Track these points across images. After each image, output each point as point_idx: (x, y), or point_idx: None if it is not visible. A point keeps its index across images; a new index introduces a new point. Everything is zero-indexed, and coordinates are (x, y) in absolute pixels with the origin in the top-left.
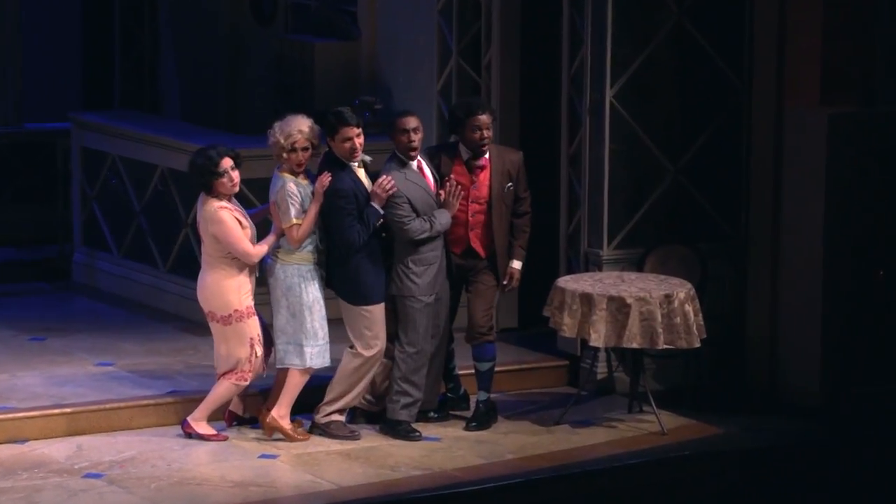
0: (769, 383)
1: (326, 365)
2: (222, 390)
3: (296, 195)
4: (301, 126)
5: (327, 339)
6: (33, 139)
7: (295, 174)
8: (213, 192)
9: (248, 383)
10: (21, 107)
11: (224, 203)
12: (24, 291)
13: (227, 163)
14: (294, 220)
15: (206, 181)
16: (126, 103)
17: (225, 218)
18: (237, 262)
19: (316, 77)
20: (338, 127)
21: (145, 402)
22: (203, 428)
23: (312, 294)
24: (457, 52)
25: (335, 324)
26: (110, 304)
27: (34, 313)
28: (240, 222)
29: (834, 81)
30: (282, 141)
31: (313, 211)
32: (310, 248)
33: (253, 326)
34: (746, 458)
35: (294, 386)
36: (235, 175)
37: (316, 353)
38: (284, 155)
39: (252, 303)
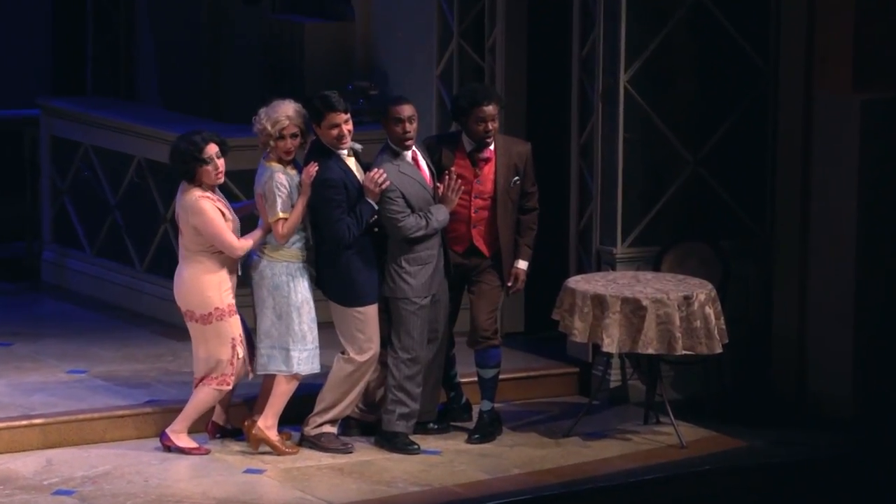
0: (797, 392)
1: (315, 371)
2: (203, 397)
3: (284, 186)
4: (288, 111)
5: (317, 343)
6: None
7: (283, 164)
8: (196, 181)
9: (230, 388)
10: None
11: (207, 193)
12: None
13: (212, 149)
14: (280, 214)
15: (188, 168)
16: (100, 89)
17: (206, 208)
18: (218, 256)
19: (306, 60)
20: (324, 112)
21: (120, 412)
22: (183, 441)
23: (301, 294)
24: (458, 32)
25: (325, 328)
26: (82, 306)
27: None
28: (223, 214)
29: (867, 65)
30: (269, 128)
31: (301, 204)
32: (299, 244)
33: (234, 326)
34: (773, 473)
35: (281, 394)
36: (221, 163)
37: (304, 359)
38: (272, 143)
39: (233, 301)
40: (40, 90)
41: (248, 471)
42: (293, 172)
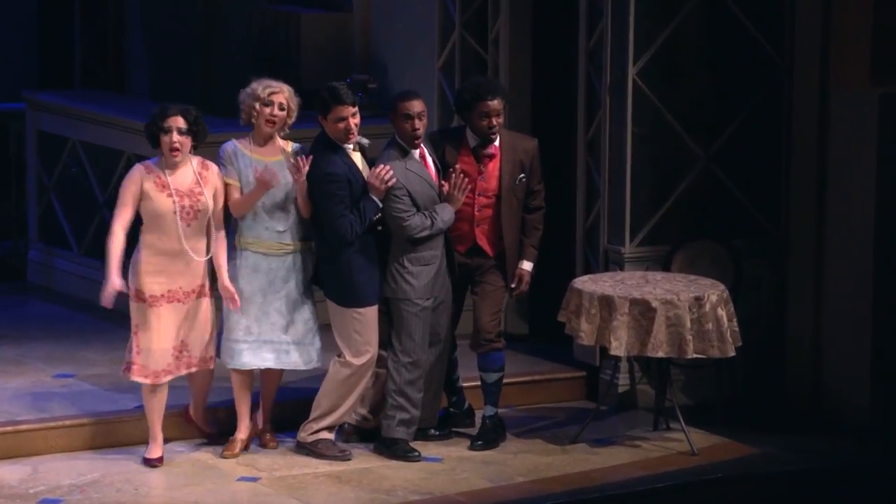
0: (812, 397)
1: (248, 366)
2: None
3: (232, 156)
4: (283, 85)
5: (263, 337)
6: None
7: (256, 143)
8: (159, 150)
9: (142, 381)
10: None
11: (152, 165)
12: None
13: (176, 121)
14: (228, 179)
15: (150, 131)
16: (88, 81)
17: (129, 176)
18: (147, 235)
19: (303, 52)
20: (331, 104)
21: (109, 418)
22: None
23: (249, 287)
24: (460, 23)
25: (322, 330)
26: (69, 307)
27: None
28: (169, 195)
29: (886, 58)
30: (259, 90)
31: (256, 194)
32: (265, 234)
33: (137, 313)
34: (787, 481)
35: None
36: (180, 140)
37: (237, 351)
38: (256, 108)
39: (160, 293)
40: (26, 83)
41: (243, 479)
42: (262, 158)
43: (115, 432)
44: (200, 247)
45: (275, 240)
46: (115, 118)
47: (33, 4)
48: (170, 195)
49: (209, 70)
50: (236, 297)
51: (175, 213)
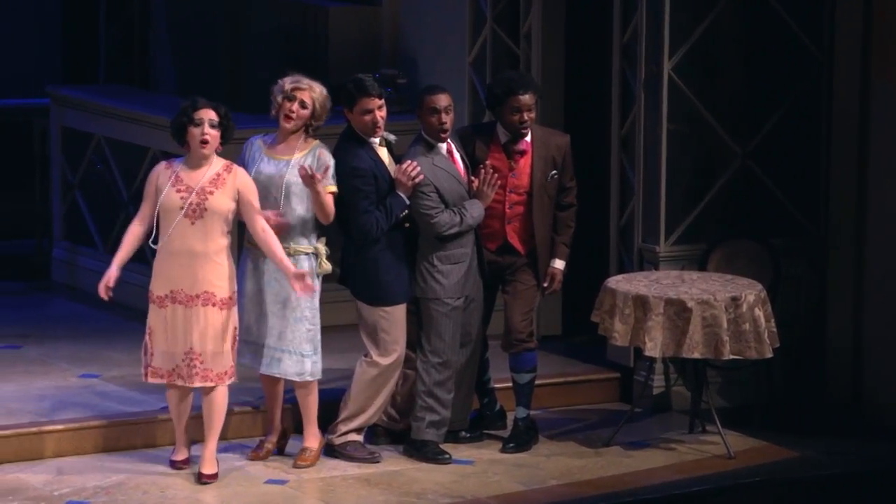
0: (852, 399)
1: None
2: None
3: (247, 147)
4: (315, 84)
5: (260, 340)
6: (6, 117)
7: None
8: (185, 145)
9: (157, 380)
10: None
11: (175, 162)
12: None
13: (208, 113)
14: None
15: (178, 124)
16: (113, 77)
17: (151, 171)
18: (161, 235)
19: (330, 47)
20: (357, 97)
21: (135, 419)
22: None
23: (249, 286)
24: (491, 17)
25: (348, 330)
26: (95, 306)
27: (7, 317)
28: (179, 191)
29: None
30: (286, 84)
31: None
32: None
33: (151, 315)
34: (826, 485)
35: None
36: (210, 133)
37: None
38: (279, 101)
39: (164, 293)
40: (50, 78)
41: (270, 481)
42: (270, 156)
43: (140, 434)
44: (205, 249)
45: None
46: (141, 114)
47: None
48: (179, 190)
49: (235, 65)
50: (310, 283)
51: (181, 208)
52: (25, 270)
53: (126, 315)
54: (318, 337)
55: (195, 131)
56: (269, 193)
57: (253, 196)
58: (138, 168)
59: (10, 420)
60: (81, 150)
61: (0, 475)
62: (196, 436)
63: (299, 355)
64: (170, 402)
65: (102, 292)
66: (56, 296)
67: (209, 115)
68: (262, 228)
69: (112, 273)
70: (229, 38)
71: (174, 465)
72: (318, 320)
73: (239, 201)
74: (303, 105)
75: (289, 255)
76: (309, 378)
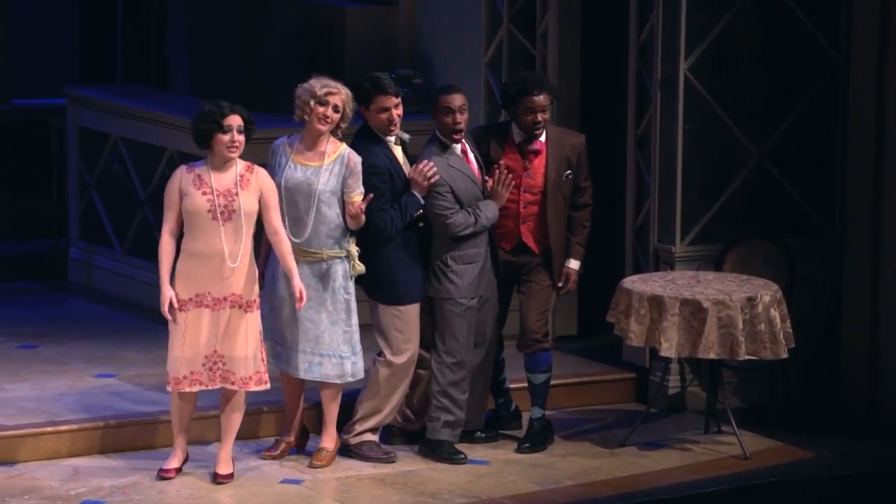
0: (868, 400)
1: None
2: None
3: (273, 153)
4: (342, 87)
5: (293, 344)
6: (23, 117)
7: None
8: (210, 149)
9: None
10: (8, 80)
11: (195, 165)
12: (12, 292)
13: (236, 119)
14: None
15: (204, 130)
16: (129, 77)
17: (170, 178)
18: (185, 236)
19: (347, 47)
20: (374, 95)
21: (151, 419)
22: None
23: (282, 291)
24: (508, 17)
25: (364, 330)
26: (111, 306)
27: (24, 317)
28: (205, 193)
29: None
30: (316, 88)
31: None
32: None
33: (180, 320)
34: (842, 486)
35: None
36: (239, 139)
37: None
38: (311, 104)
39: (187, 296)
40: (67, 78)
41: (286, 481)
42: (297, 161)
43: (157, 433)
44: (235, 251)
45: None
46: (158, 114)
47: None
48: (205, 193)
49: (252, 65)
50: (303, 296)
51: (209, 210)
52: (42, 270)
53: (142, 315)
54: (357, 337)
55: (224, 138)
56: (298, 200)
57: (273, 197)
58: (155, 168)
59: (26, 419)
60: (98, 151)
61: (16, 474)
62: (196, 436)
63: (338, 357)
64: (172, 406)
65: (168, 313)
66: (72, 295)
67: (237, 121)
68: (276, 231)
69: (166, 291)
70: (245, 39)
71: (159, 473)
72: (355, 320)
73: (260, 201)
74: (336, 109)
75: (322, 260)
76: (350, 379)
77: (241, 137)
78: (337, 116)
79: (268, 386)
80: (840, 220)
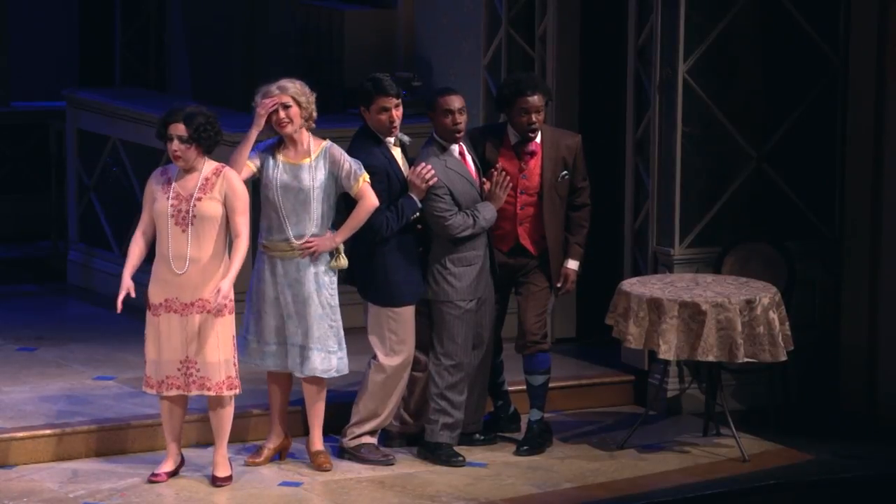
0: (868, 402)
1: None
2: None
3: (262, 147)
4: (284, 82)
5: (270, 343)
6: (22, 120)
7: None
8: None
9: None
10: (8, 83)
11: (171, 169)
12: (11, 294)
13: (177, 129)
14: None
15: (158, 136)
16: (129, 80)
17: (148, 181)
18: (157, 241)
19: (346, 50)
20: (374, 95)
21: (150, 421)
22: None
23: (269, 291)
24: (507, 20)
25: (359, 332)
26: (110, 309)
27: (23, 319)
28: (168, 198)
29: None
30: (259, 99)
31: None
32: (276, 237)
33: (149, 323)
34: (841, 489)
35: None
36: (180, 149)
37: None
38: (265, 116)
39: (158, 301)
40: (66, 81)
41: (285, 483)
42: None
43: (156, 436)
44: (198, 256)
45: (275, 240)
46: (156, 117)
47: (74, 2)
48: (169, 198)
49: (251, 68)
50: (227, 303)
51: (172, 216)
52: (41, 272)
53: (141, 318)
54: (342, 333)
55: (167, 145)
56: (288, 198)
57: (239, 201)
58: (153, 171)
59: (25, 422)
60: (97, 153)
61: (15, 477)
62: (194, 439)
63: (326, 352)
64: (161, 411)
65: (120, 305)
66: (71, 298)
67: (178, 130)
68: (237, 234)
69: (125, 282)
70: (245, 41)
71: (149, 477)
72: (338, 315)
73: (225, 204)
74: (286, 106)
75: (309, 253)
76: (335, 374)
77: (184, 147)
78: (295, 111)
79: (239, 390)
80: (839, 222)
